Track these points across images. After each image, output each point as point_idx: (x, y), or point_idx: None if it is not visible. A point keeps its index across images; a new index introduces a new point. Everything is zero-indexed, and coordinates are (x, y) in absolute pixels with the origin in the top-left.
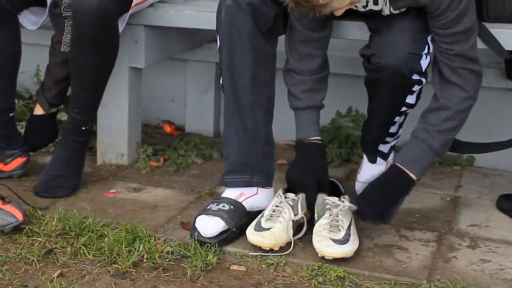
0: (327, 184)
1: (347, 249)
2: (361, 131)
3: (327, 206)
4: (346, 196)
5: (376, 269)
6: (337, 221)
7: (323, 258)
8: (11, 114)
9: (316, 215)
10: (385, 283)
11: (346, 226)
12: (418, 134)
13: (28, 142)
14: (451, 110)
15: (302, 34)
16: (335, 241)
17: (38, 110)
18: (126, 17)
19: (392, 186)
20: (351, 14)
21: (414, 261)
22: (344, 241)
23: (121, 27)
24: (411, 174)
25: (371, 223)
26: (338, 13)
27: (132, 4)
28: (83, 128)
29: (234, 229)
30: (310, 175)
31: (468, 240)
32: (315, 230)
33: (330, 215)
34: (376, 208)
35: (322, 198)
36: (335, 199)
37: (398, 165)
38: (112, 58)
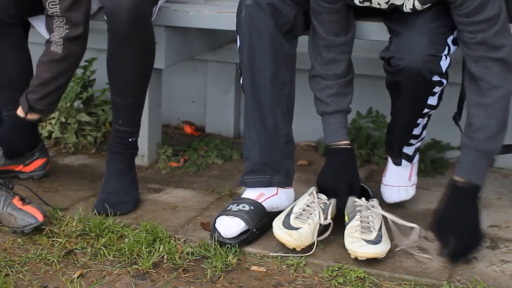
0: (358, 188)
1: (381, 249)
2: (385, 134)
3: (357, 209)
4: (375, 200)
5: (396, 270)
6: (368, 223)
7: (356, 259)
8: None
9: (346, 217)
10: (405, 284)
11: (377, 227)
12: (462, 141)
13: (3, 145)
14: (480, 105)
15: (326, 39)
16: (368, 241)
17: (20, 112)
18: (155, 11)
19: (467, 208)
20: (371, 14)
21: (434, 262)
22: (377, 241)
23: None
24: (470, 183)
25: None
26: None
27: None
28: (130, 140)
29: (254, 230)
30: (341, 180)
31: (488, 240)
32: (346, 232)
33: (360, 216)
34: (469, 237)
35: (352, 201)
36: (364, 201)
37: (458, 180)
38: (151, 57)
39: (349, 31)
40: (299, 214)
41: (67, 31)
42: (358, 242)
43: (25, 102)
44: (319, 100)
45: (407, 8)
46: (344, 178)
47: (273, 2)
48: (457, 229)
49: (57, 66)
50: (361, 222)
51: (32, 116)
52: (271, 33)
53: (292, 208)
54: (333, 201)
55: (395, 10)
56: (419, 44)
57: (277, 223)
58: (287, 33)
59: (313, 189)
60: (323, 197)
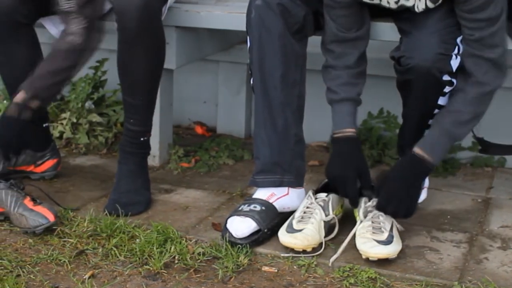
0: (367, 176)
1: (392, 250)
2: (397, 137)
3: (369, 209)
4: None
5: (408, 270)
6: (379, 223)
7: (367, 259)
8: (44, 125)
9: (357, 218)
10: (416, 284)
11: (388, 228)
12: (434, 117)
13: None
14: (463, 93)
15: (336, 35)
16: (379, 242)
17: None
18: (165, 10)
19: (410, 174)
20: (382, 14)
21: (445, 262)
22: (388, 241)
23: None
24: (425, 156)
25: (394, 217)
26: None
27: None
28: (142, 139)
29: (266, 230)
30: (348, 168)
31: (499, 241)
32: (358, 232)
33: (372, 217)
34: (399, 203)
35: (363, 201)
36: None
37: (414, 149)
38: (161, 56)
39: (362, 27)
40: (301, 217)
41: (85, 23)
42: (370, 242)
43: (31, 87)
44: (329, 89)
45: (419, 8)
46: (351, 165)
47: (283, 2)
48: (396, 194)
49: (75, 55)
50: (372, 222)
51: (32, 105)
52: (281, 33)
53: (293, 214)
54: (331, 196)
55: (405, 10)
56: (429, 43)
57: (281, 231)
58: (297, 33)
59: (310, 192)
60: (322, 195)
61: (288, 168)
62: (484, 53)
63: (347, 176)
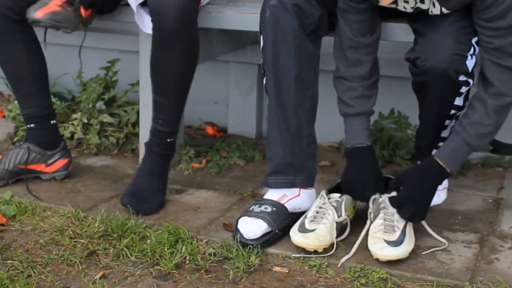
0: (382, 183)
1: (401, 251)
2: (415, 139)
3: (381, 205)
4: None
5: (419, 271)
6: (392, 221)
7: (377, 260)
8: (52, 122)
9: (371, 215)
10: (427, 285)
11: (401, 226)
12: (454, 127)
13: None
14: (484, 104)
15: (351, 40)
16: (389, 243)
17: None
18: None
19: (429, 181)
20: (396, 15)
21: (456, 263)
22: (398, 242)
23: None
24: (444, 166)
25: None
26: (386, 2)
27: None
28: (168, 140)
29: (277, 231)
30: (367, 173)
31: (510, 241)
32: (370, 231)
33: (384, 214)
34: (416, 208)
35: (376, 198)
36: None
37: (435, 157)
38: (195, 57)
39: (374, 32)
40: (313, 217)
41: None
42: (380, 243)
43: None
44: (343, 101)
45: (433, 13)
46: (369, 171)
47: (298, 2)
48: (414, 199)
49: None
50: (384, 220)
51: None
52: (295, 33)
53: (306, 214)
54: (345, 197)
55: (420, 12)
56: (445, 44)
57: (293, 230)
58: (311, 33)
59: (323, 192)
60: (335, 195)
61: (301, 169)
62: (504, 62)
63: (366, 180)
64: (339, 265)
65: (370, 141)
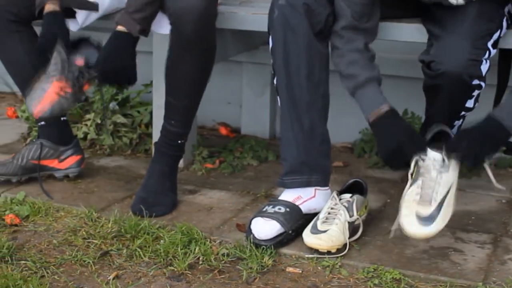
0: (421, 140)
1: (431, 231)
2: (419, 132)
3: (421, 170)
4: (453, 161)
5: (432, 271)
6: (432, 190)
7: (392, 257)
8: (62, 119)
9: (411, 177)
10: (440, 285)
11: (440, 197)
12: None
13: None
14: None
15: (350, 22)
16: (420, 218)
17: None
18: None
19: (488, 134)
20: (408, 14)
21: (469, 263)
22: (430, 219)
23: None
24: (501, 120)
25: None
26: None
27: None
28: (179, 141)
29: (290, 232)
30: (399, 135)
31: None
32: (406, 197)
33: (423, 182)
34: (474, 152)
35: (418, 159)
36: (436, 155)
37: (491, 115)
38: (212, 60)
39: (371, 18)
40: (325, 218)
41: None
42: (411, 217)
43: (133, 22)
44: (348, 75)
45: (459, 1)
46: (401, 131)
47: (308, 2)
48: (475, 139)
49: None
50: (422, 189)
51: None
52: (305, 32)
53: (318, 215)
54: (356, 197)
55: (436, 6)
56: (461, 48)
57: (305, 232)
58: (319, 33)
59: (334, 193)
60: (346, 196)
61: (315, 168)
62: None
63: (402, 142)
64: (391, 236)
65: (389, 102)
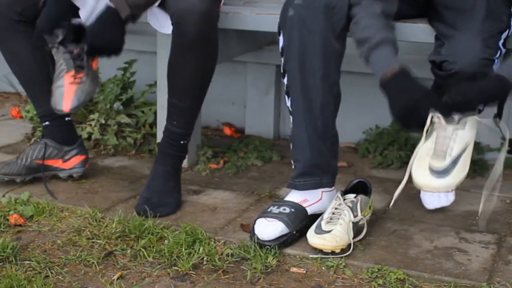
0: (436, 97)
1: (445, 183)
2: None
3: (436, 125)
4: (474, 118)
5: (436, 272)
6: (446, 146)
7: (396, 257)
8: (67, 119)
9: (425, 133)
10: (445, 286)
11: (455, 154)
12: None
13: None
14: None
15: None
16: (433, 171)
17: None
18: None
19: (490, 86)
20: (414, 14)
21: (474, 264)
22: (444, 172)
23: None
24: (504, 75)
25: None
26: None
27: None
28: (182, 142)
29: (294, 232)
30: (413, 93)
31: None
32: (418, 153)
33: (437, 137)
34: (469, 100)
35: (434, 116)
36: (458, 115)
37: (499, 72)
38: (214, 61)
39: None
40: (330, 219)
41: None
42: (423, 170)
43: (125, 6)
44: (362, 39)
45: None
46: (419, 92)
47: (326, 1)
48: (471, 93)
49: None
50: (436, 144)
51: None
52: (322, 33)
53: (322, 216)
54: (360, 197)
55: (443, 6)
56: (474, 47)
57: (309, 232)
58: (339, 31)
59: (338, 193)
60: (350, 196)
61: (326, 169)
62: None
63: (417, 99)
64: (390, 206)
65: (400, 64)
